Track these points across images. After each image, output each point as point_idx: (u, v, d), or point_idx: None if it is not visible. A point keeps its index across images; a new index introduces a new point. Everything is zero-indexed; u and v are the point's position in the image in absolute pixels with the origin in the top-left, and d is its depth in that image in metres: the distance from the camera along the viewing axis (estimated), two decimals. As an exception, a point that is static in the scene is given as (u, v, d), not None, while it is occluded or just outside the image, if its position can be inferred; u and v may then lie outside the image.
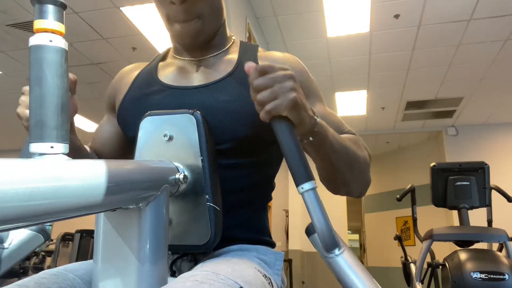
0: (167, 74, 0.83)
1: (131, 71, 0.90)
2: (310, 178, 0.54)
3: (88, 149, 0.86)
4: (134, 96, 0.83)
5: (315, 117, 0.62)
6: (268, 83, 0.56)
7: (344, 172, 0.71)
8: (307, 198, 0.54)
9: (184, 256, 0.70)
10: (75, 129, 0.79)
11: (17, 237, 0.82)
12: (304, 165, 0.55)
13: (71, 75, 0.70)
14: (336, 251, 0.55)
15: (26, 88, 0.69)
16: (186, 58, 0.85)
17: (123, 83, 0.88)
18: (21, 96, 0.71)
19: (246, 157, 0.76)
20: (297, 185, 0.55)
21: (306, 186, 0.54)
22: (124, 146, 0.90)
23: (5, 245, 0.80)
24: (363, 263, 9.46)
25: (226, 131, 0.73)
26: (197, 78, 0.81)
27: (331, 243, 0.54)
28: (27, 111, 0.68)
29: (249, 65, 0.59)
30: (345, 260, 0.54)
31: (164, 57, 0.90)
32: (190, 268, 0.67)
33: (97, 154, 0.90)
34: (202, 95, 0.76)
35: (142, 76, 0.86)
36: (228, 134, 0.73)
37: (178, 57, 0.86)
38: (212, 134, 0.67)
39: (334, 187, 0.76)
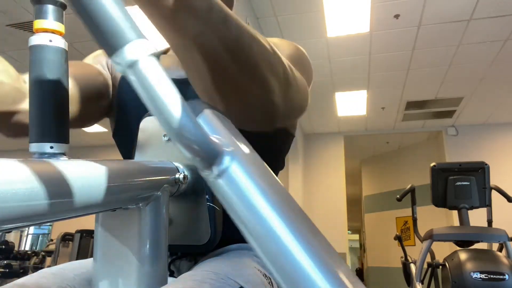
0: (166, 65, 0.83)
1: None
2: (139, 35, 0.28)
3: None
4: None
5: None
6: None
7: (222, 58, 0.42)
8: (134, 74, 0.27)
9: (183, 257, 0.70)
10: None
11: None
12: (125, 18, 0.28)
13: None
14: (214, 169, 0.30)
15: None
16: None
17: None
18: None
19: None
20: (110, 54, 0.27)
21: (130, 52, 0.27)
22: (89, 98, 0.73)
23: None
24: (363, 264, 9.40)
25: None
26: None
27: (204, 154, 0.29)
28: None
29: None
30: (232, 184, 0.29)
31: (166, 52, 0.90)
32: (189, 268, 0.67)
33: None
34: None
35: None
36: None
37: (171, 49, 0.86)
38: None
39: (214, 95, 0.47)
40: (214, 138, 0.31)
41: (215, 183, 0.30)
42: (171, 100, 0.27)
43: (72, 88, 0.68)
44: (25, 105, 0.59)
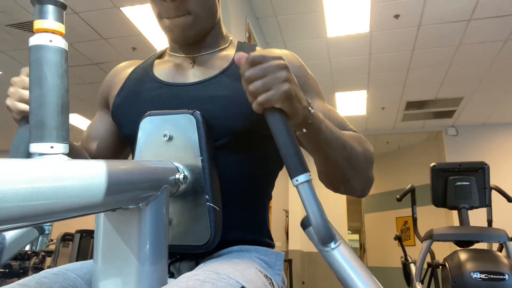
0: (162, 71, 0.83)
1: (126, 68, 0.90)
2: (305, 170, 0.53)
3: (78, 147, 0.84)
4: (129, 92, 0.82)
5: (310, 108, 0.60)
6: (260, 73, 0.54)
7: (342, 168, 0.69)
8: (302, 191, 0.53)
9: (183, 259, 0.70)
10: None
11: (11, 232, 0.83)
12: (298, 156, 0.53)
13: None
14: (332, 245, 0.53)
15: (15, 79, 0.67)
16: (182, 55, 0.85)
17: (117, 79, 0.88)
18: (10, 88, 0.68)
19: (245, 153, 0.76)
20: (291, 177, 0.53)
21: (301, 178, 0.52)
22: (117, 145, 0.89)
23: None
24: (363, 263, 9.50)
25: (223, 125, 0.73)
26: (192, 75, 0.81)
27: (327, 236, 0.52)
28: (18, 104, 0.66)
29: (239, 55, 0.56)
30: (341, 254, 0.53)
31: (161, 55, 0.90)
32: (190, 270, 0.67)
33: (88, 152, 0.88)
34: (197, 91, 0.76)
35: (137, 72, 0.86)
36: (225, 128, 0.73)
37: (174, 54, 0.86)
38: (211, 132, 0.67)
39: (332, 184, 0.74)
40: (332, 228, 0.54)
41: (330, 253, 0.53)
42: (318, 206, 0.53)
43: (103, 145, 0.89)
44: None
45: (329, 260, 0.53)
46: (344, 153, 0.68)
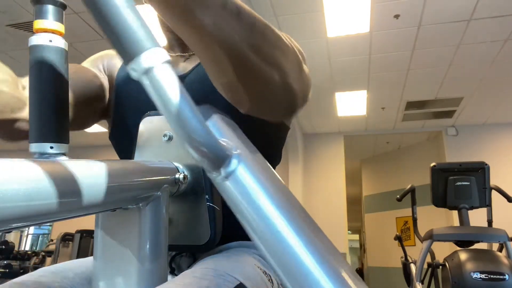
0: None
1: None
2: (154, 43, 0.30)
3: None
4: (129, 77, 0.80)
5: None
6: None
7: (247, 55, 0.45)
8: (149, 80, 0.28)
9: (183, 253, 0.70)
10: None
11: None
12: (144, 28, 0.31)
13: None
14: (222, 171, 0.32)
15: None
16: (177, 54, 0.85)
17: (116, 60, 0.85)
18: None
19: None
20: (126, 61, 0.29)
21: (145, 59, 0.28)
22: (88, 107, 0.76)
23: None
24: (363, 264, 9.42)
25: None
26: (182, 68, 0.81)
27: (213, 156, 0.31)
28: None
29: None
30: (239, 186, 0.31)
31: None
32: (189, 265, 0.67)
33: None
34: (188, 82, 0.76)
35: None
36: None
37: (170, 54, 0.86)
38: None
39: (228, 83, 0.49)
40: (222, 141, 0.32)
41: (222, 184, 0.32)
42: (183, 105, 0.29)
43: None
44: (24, 113, 0.60)
45: (223, 194, 0.33)
46: (241, 24, 0.44)
